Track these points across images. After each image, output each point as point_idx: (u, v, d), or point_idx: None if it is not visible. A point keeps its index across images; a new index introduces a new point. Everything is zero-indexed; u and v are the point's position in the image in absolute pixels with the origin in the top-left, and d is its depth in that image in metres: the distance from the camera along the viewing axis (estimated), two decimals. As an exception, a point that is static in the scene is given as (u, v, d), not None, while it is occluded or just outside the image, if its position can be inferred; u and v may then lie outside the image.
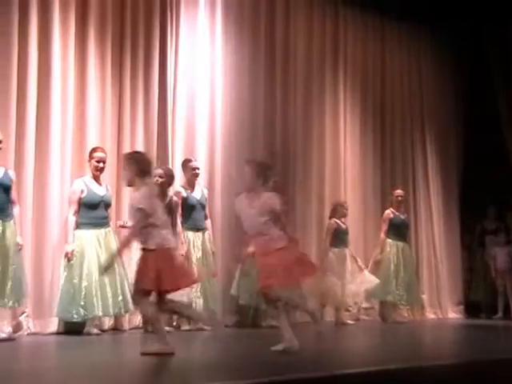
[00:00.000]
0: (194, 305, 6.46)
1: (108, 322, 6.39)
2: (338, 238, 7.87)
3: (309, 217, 8.31)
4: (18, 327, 5.78)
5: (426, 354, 5.10)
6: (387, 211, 8.45)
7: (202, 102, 7.44)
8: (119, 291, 6.01)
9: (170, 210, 6.41)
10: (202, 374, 3.59)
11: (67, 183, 6.30)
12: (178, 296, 6.21)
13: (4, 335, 5.33)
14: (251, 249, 6.92)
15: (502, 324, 8.66)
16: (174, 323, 6.66)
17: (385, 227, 8.36)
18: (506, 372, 3.95)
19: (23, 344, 5.38)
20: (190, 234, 6.73)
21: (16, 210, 5.63)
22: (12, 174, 5.64)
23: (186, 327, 6.63)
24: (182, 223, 6.68)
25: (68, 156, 6.41)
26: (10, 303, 5.43)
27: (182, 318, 6.57)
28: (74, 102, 6.50)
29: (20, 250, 5.57)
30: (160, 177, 6.36)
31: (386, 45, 9.41)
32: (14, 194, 5.61)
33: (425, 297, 9.15)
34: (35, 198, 6.09)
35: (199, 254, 6.70)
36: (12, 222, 5.53)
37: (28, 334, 5.83)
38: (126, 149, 6.79)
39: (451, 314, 9.54)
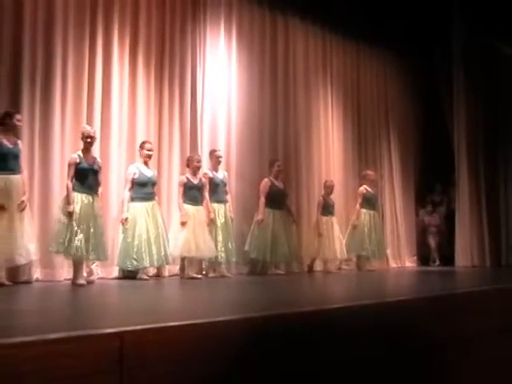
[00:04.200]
0: (219, 258, 6.66)
1: (152, 271, 6.49)
2: (326, 209, 8.00)
3: (312, 192, 8.45)
4: (90, 273, 5.94)
5: (391, 292, 5.20)
6: (361, 188, 8.54)
7: (222, 106, 7.54)
8: (162, 248, 6.14)
9: (202, 186, 6.64)
10: (223, 309, 3.57)
11: (123, 168, 6.46)
12: (206, 252, 6.49)
13: (84, 281, 5.42)
14: (260, 216, 7.17)
15: (440, 269, 8.88)
16: (204, 272, 6.79)
17: (360, 200, 8.46)
18: (448, 303, 3.98)
19: (94, 285, 5.50)
20: (216, 205, 6.81)
21: (100, 188, 5.74)
22: (100, 162, 5.77)
23: (212, 274, 6.77)
24: (210, 197, 6.80)
25: (123, 147, 6.56)
26: (95, 257, 5.61)
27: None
28: (128, 107, 6.61)
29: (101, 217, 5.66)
30: (198, 162, 6.63)
31: (360, 65, 9.58)
32: (100, 177, 5.74)
33: (389, 251, 9.31)
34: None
35: (222, 220, 6.81)
36: (98, 197, 5.65)
37: (97, 279, 5.98)
38: (166, 142, 6.94)
39: (408, 264, 9.73)
